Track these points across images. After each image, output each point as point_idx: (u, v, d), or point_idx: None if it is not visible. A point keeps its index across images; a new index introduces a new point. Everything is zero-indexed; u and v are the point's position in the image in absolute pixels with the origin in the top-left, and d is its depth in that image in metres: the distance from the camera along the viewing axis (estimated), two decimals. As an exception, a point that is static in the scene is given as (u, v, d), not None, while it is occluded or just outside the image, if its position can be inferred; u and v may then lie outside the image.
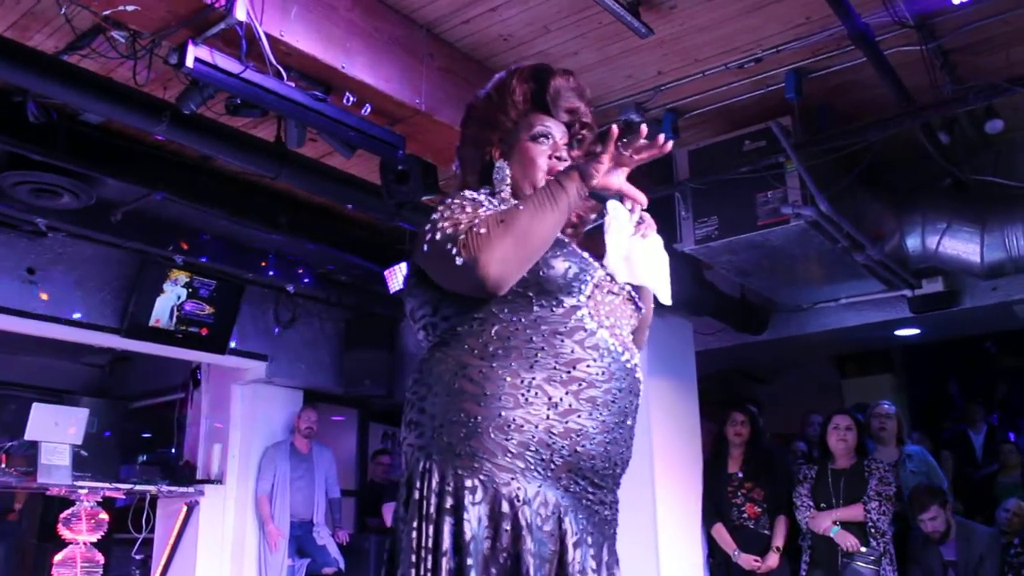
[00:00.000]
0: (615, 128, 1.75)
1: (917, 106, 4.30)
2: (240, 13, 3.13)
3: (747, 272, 5.28)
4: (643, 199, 1.83)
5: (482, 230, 1.65)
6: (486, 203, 1.81)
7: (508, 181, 1.94)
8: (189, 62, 3.18)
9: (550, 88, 1.99)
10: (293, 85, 3.47)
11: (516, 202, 1.82)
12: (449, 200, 1.81)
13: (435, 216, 1.77)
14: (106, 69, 3.97)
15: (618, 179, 1.78)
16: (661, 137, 1.74)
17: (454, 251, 1.66)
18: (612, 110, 4.64)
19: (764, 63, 4.32)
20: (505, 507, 1.61)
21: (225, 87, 3.35)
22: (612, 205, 1.84)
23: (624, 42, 4.15)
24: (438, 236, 1.71)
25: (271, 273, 6.64)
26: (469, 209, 1.76)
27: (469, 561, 1.57)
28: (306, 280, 6.88)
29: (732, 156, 4.66)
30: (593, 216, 1.98)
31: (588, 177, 1.73)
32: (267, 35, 3.28)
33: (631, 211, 1.85)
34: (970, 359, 8.65)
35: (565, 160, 1.96)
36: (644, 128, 1.76)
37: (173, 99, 3.74)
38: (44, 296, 5.74)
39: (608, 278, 1.84)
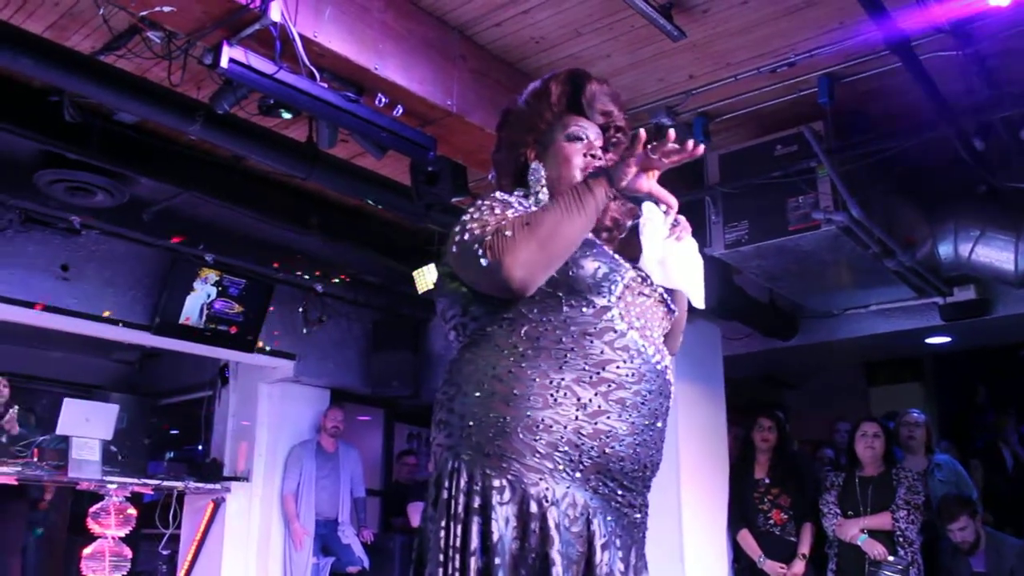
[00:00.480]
0: (643, 132, 1.76)
1: (952, 111, 4.26)
2: (275, 14, 3.16)
3: (777, 277, 5.25)
4: (673, 202, 1.82)
5: (507, 232, 1.66)
6: (516, 205, 1.82)
7: (544, 182, 1.95)
8: (223, 62, 3.20)
9: (586, 91, 2.01)
10: (326, 86, 3.49)
11: (544, 204, 1.83)
12: (479, 202, 1.82)
13: (465, 217, 1.78)
14: (141, 69, 4.01)
15: (647, 183, 1.77)
16: (691, 142, 1.74)
17: (480, 252, 1.67)
18: (643, 113, 4.62)
19: (797, 67, 4.29)
20: (533, 507, 1.61)
21: (259, 87, 3.37)
22: (647, 207, 1.84)
23: (656, 45, 4.14)
24: (466, 237, 1.72)
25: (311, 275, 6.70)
26: (498, 211, 1.77)
27: (497, 561, 1.57)
28: (342, 282, 6.94)
29: (763, 161, 4.64)
30: (629, 223, 1.98)
31: (616, 180, 1.74)
32: (301, 36, 3.30)
33: (666, 213, 1.85)
34: (1002, 368, 8.53)
35: (600, 159, 1.97)
36: (672, 132, 1.76)
37: (207, 99, 3.77)
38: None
39: (639, 279, 1.84)
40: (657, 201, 1.83)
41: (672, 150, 1.74)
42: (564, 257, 1.71)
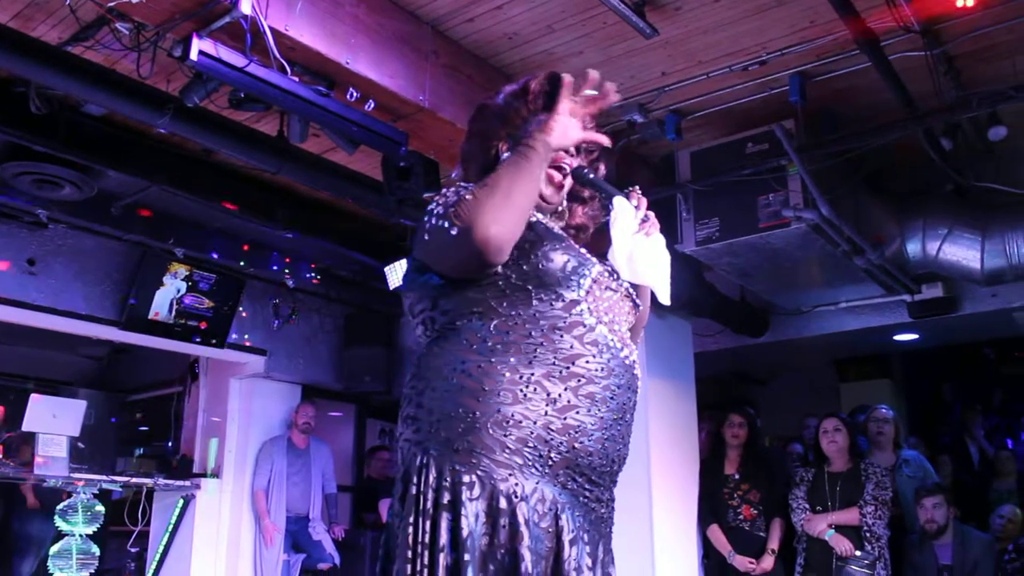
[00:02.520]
0: (567, 78, 1.82)
1: (920, 111, 4.31)
2: (245, 7, 3.13)
3: (747, 274, 5.28)
4: (605, 140, 1.90)
5: (468, 197, 1.69)
6: None
7: None
8: (193, 55, 3.17)
9: None
10: (297, 80, 3.47)
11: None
12: (443, 191, 1.83)
13: (430, 207, 1.79)
14: (110, 61, 3.97)
15: (575, 131, 1.85)
16: (606, 84, 1.84)
17: (447, 224, 1.68)
18: (615, 110, 4.63)
19: (768, 66, 4.32)
20: (503, 503, 1.61)
21: (229, 81, 3.34)
22: (618, 202, 1.85)
23: (629, 42, 4.15)
24: (434, 220, 1.73)
25: (275, 269, 6.65)
26: (463, 193, 1.77)
27: (466, 557, 1.57)
28: (309, 276, 6.90)
29: (735, 158, 4.66)
30: (592, 227, 2.01)
31: (547, 130, 1.79)
32: (272, 29, 3.27)
33: (636, 208, 1.86)
34: (969, 365, 8.65)
35: (571, 155, 1.97)
36: (594, 74, 1.83)
37: (176, 92, 3.74)
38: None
39: (606, 274, 1.85)
40: (630, 195, 1.85)
41: (592, 97, 1.83)
42: (527, 211, 1.73)
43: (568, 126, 1.83)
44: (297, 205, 5.95)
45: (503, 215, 1.66)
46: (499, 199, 1.67)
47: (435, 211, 1.75)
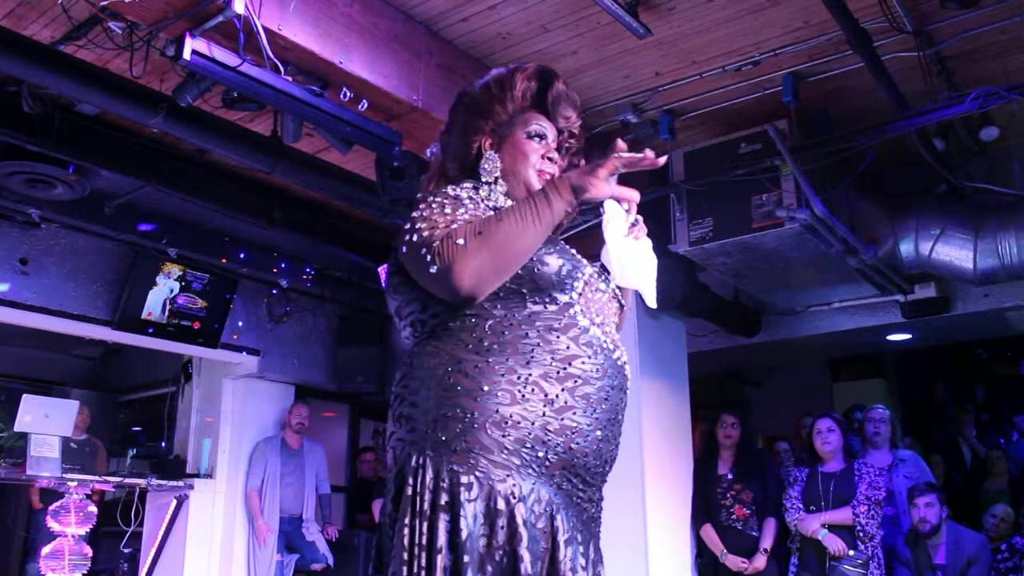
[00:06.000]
0: (621, 142, 1.75)
1: (913, 112, 4.31)
2: (238, 6, 3.13)
3: (741, 274, 5.28)
4: (636, 196, 1.83)
5: (459, 240, 1.63)
6: (468, 203, 1.79)
7: (497, 173, 1.93)
8: (186, 54, 3.17)
9: (553, 91, 1.98)
10: (290, 79, 3.46)
11: (500, 209, 1.79)
12: (431, 198, 1.78)
13: (415, 214, 1.75)
14: (102, 60, 3.96)
15: (609, 187, 1.76)
16: (662, 160, 1.75)
17: (428, 257, 1.64)
18: (609, 110, 4.64)
19: (762, 66, 4.33)
20: (501, 504, 1.60)
21: (222, 80, 3.34)
22: (609, 205, 1.84)
23: (622, 42, 4.15)
24: (415, 238, 1.70)
25: (269, 269, 6.65)
26: (449, 210, 1.74)
27: (465, 559, 1.56)
28: (303, 276, 6.89)
29: (728, 158, 4.67)
30: (565, 224, 1.98)
31: (582, 191, 1.72)
32: (265, 29, 3.27)
33: (628, 211, 1.85)
34: (961, 365, 8.66)
35: (556, 162, 1.95)
36: (650, 153, 1.75)
37: (169, 91, 3.73)
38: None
39: (595, 276, 1.85)
40: (619, 199, 1.84)
41: (636, 159, 1.74)
42: (516, 267, 1.68)
43: (604, 184, 1.74)
44: (291, 205, 5.94)
45: (485, 271, 1.63)
46: (486, 255, 1.63)
47: (419, 227, 1.71)
